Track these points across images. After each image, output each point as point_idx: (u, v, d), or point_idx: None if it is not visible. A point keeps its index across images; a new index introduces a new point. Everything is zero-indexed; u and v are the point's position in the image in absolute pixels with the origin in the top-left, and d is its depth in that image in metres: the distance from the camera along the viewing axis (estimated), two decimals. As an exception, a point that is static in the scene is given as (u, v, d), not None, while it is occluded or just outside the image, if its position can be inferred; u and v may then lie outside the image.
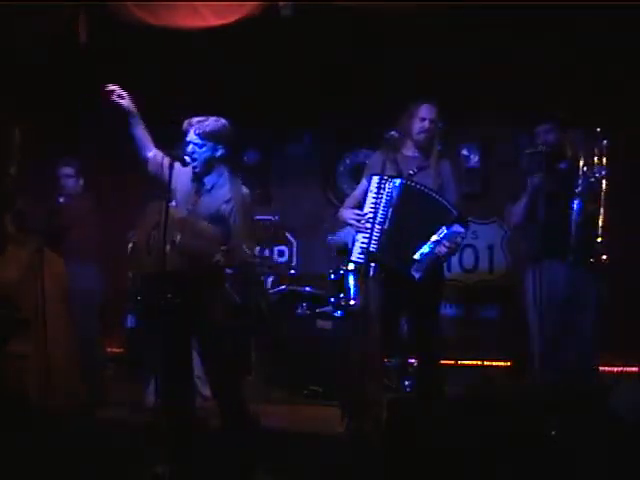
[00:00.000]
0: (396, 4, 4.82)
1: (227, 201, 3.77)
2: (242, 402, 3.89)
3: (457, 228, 4.11)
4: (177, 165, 3.74)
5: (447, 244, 4.07)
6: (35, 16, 4.93)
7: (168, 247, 3.65)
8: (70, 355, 4.66)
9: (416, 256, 4.02)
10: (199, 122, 3.79)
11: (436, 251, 4.07)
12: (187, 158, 3.76)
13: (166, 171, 3.74)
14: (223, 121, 3.82)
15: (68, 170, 5.33)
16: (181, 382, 3.94)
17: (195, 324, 3.85)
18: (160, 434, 3.87)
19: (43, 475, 3.81)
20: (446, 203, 4.09)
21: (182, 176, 3.81)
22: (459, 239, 4.13)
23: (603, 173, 4.02)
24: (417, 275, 4.02)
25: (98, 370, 5.26)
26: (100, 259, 5.32)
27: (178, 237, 3.70)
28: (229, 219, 3.74)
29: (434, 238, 4.05)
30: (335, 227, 5.58)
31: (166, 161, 3.78)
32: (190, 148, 3.78)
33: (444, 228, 4.06)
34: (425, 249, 4.03)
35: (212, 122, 3.79)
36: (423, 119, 4.20)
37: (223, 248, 3.58)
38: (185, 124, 3.83)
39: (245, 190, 3.88)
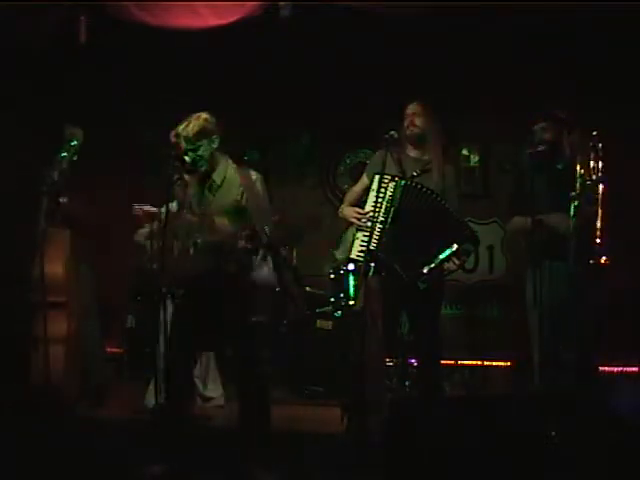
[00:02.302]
0: (396, 4, 4.83)
1: (241, 192, 3.77)
2: (268, 407, 3.91)
3: (468, 247, 4.11)
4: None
5: (457, 262, 4.07)
6: (35, 16, 4.93)
7: (192, 250, 3.68)
8: (73, 353, 4.71)
9: (425, 269, 4.01)
10: (183, 129, 3.78)
11: (445, 267, 4.07)
12: (193, 166, 3.79)
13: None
14: (203, 116, 3.81)
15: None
16: (183, 381, 3.95)
17: (224, 323, 3.85)
18: (160, 434, 3.88)
19: (43, 475, 3.81)
20: (459, 217, 4.09)
21: (191, 186, 3.82)
22: (467, 257, 4.14)
23: (600, 176, 4.02)
24: (422, 286, 4.02)
25: (98, 370, 5.26)
26: (100, 258, 5.32)
27: (199, 239, 3.71)
28: (246, 210, 3.74)
29: (445, 254, 4.03)
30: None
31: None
32: (190, 155, 3.78)
33: (455, 245, 4.04)
34: (435, 263, 4.02)
35: (195, 122, 3.77)
36: (408, 115, 4.26)
37: (244, 233, 3.59)
38: (172, 137, 3.81)
39: (255, 175, 3.88)
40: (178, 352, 3.84)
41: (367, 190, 4.22)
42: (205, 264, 3.71)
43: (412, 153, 4.30)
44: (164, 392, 3.79)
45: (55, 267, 4.69)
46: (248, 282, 3.83)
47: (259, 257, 3.90)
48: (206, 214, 3.78)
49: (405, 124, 4.25)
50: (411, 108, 4.27)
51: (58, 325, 4.62)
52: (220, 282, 3.73)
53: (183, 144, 3.77)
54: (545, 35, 5.49)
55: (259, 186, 3.83)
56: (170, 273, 3.71)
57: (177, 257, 3.71)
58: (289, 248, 5.91)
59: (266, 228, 3.55)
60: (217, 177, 3.84)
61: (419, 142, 4.26)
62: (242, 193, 3.77)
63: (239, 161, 3.97)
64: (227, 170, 3.85)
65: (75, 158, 4.81)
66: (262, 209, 3.76)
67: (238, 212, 3.75)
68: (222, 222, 3.73)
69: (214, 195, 3.82)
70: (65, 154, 4.78)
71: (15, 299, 4.97)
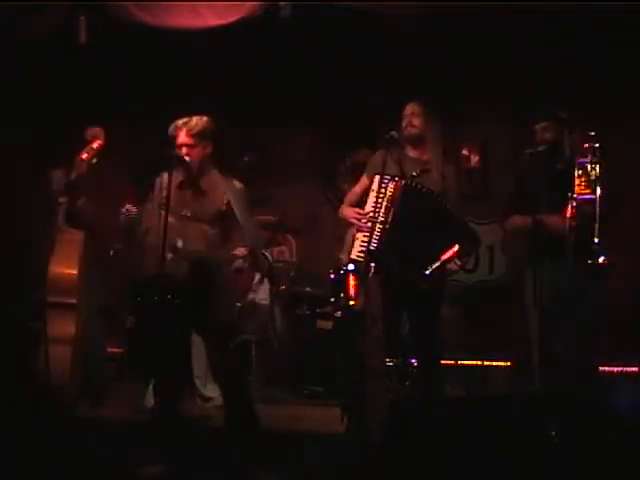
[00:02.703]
0: (396, 4, 4.82)
1: (226, 201, 3.78)
2: (249, 402, 3.91)
3: (470, 247, 4.11)
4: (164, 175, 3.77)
5: (459, 262, 4.07)
6: (35, 16, 4.93)
7: (170, 254, 3.67)
8: (79, 354, 4.74)
9: (427, 271, 3.99)
10: (185, 123, 3.80)
11: (448, 267, 4.06)
12: (186, 158, 3.79)
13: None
14: (206, 118, 3.85)
15: (59, 173, 5.35)
16: (179, 382, 3.96)
17: (200, 325, 3.87)
18: (160, 434, 3.88)
19: (43, 475, 3.81)
20: (459, 217, 4.10)
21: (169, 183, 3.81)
22: (468, 257, 4.13)
23: (598, 176, 4.02)
24: (425, 287, 4.01)
25: (99, 370, 5.26)
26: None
27: (180, 243, 3.71)
28: (230, 219, 3.75)
29: (448, 255, 4.02)
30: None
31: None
32: (184, 150, 3.79)
33: (457, 245, 4.04)
34: (437, 264, 4.00)
35: (199, 121, 3.81)
36: (406, 115, 4.24)
37: (239, 253, 3.60)
38: (171, 128, 3.84)
39: (239, 185, 3.90)
40: (171, 353, 3.85)
41: (367, 190, 4.22)
42: (183, 268, 3.70)
43: (411, 153, 4.30)
44: (160, 392, 3.80)
45: (69, 268, 4.71)
46: (226, 287, 3.86)
47: (256, 279, 3.94)
48: (188, 218, 3.79)
49: (403, 124, 4.24)
50: (409, 108, 4.26)
51: (69, 326, 4.64)
52: (193, 285, 3.73)
53: (181, 137, 3.78)
54: (545, 35, 5.48)
55: (245, 197, 3.85)
56: (160, 273, 3.71)
57: (159, 259, 3.71)
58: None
59: (267, 253, 3.57)
60: (203, 183, 3.85)
61: (418, 142, 4.26)
62: (227, 203, 3.78)
63: (228, 168, 3.98)
64: (213, 178, 3.87)
65: (95, 160, 4.82)
66: (251, 223, 3.80)
67: (220, 220, 3.77)
68: (203, 229, 3.74)
69: (198, 200, 3.83)
70: (85, 156, 4.79)
71: (22, 298, 5.01)
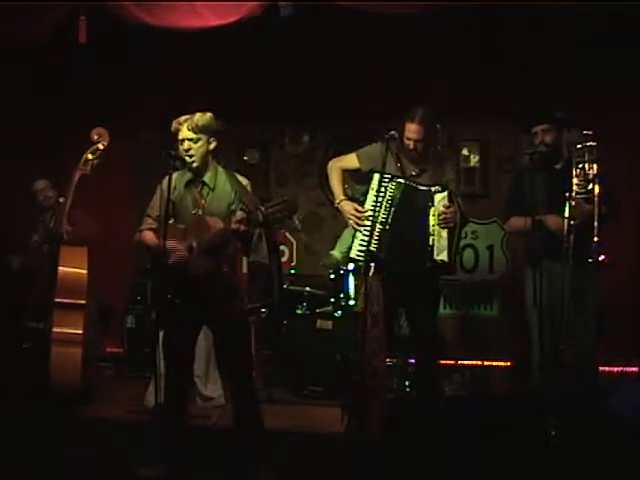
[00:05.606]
0: (396, 4, 4.82)
1: (235, 198, 3.78)
2: (256, 402, 3.92)
3: (437, 197, 4.07)
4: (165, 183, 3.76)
5: (442, 216, 3.99)
6: (34, 16, 4.93)
7: (186, 253, 3.69)
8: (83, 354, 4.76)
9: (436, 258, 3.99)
10: (188, 119, 3.80)
11: (432, 231, 4.02)
12: (187, 158, 3.78)
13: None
14: (209, 114, 3.84)
15: (42, 183, 5.35)
16: (182, 381, 3.95)
17: (212, 320, 3.86)
18: (160, 434, 3.88)
19: (43, 475, 3.81)
20: (424, 188, 4.08)
21: (175, 189, 3.82)
22: (446, 203, 4.01)
23: (595, 174, 4.02)
24: (442, 259, 3.98)
25: (94, 369, 5.26)
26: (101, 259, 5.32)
27: (194, 243, 3.71)
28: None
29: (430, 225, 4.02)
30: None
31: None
32: (186, 145, 3.78)
33: (430, 205, 4.03)
34: (430, 242, 4.00)
35: (201, 116, 3.80)
36: (409, 139, 4.14)
37: (238, 218, 3.59)
38: (174, 124, 3.83)
39: (245, 180, 3.90)
40: (175, 353, 3.85)
41: (350, 169, 4.27)
42: (201, 267, 3.70)
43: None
44: (163, 392, 3.79)
45: (79, 268, 4.77)
46: (239, 280, 3.86)
47: (255, 236, 3.92)
48: (200, 216, 3.79)
49: (405, 142, 4.14)
50: (414, 133, 4.10)
51: (78, 326, 4.70)
52: (214, 283, 3.74)
53: (183, 131, 3.77)
54: (545, 35, 5.48)
55: (250, 191, 3.84)
56: (169, 275, 3.71)
57: (173, 261, 3.72)
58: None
59: (262, 207, 3.53)
60: (209, 180, 3.84)
61: (420, 156, 4.23)
62: (234, 201, 3.78)
63: (233, 164, 3.97)
64: (218, 175, 3.86)
65: (97, 161, 4.81)
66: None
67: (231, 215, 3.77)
68: (215, 220, 3.73)
69: (206, 199, 3.83)
70: (91, 156, 4.78)
71: (23, 299, 5.01)
